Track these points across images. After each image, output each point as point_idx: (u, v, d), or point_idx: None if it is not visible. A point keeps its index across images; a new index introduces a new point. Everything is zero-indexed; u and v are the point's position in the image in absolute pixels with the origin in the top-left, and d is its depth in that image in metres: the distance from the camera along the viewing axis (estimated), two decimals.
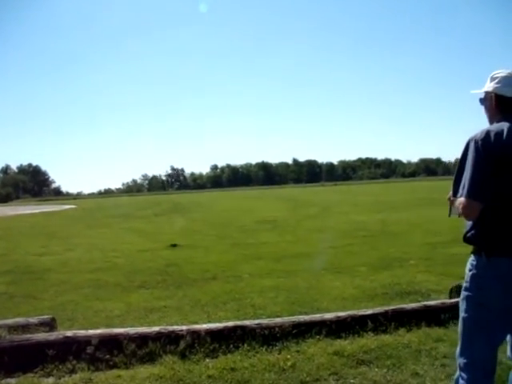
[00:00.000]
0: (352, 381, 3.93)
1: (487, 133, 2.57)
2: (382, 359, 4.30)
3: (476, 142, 2.55)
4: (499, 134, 2.56)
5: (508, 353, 2.87)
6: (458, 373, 2.75)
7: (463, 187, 2.56)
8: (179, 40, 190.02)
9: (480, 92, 2.81)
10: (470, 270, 2.68)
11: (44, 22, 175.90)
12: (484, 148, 2.52)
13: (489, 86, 2.74)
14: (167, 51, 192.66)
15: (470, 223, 2.66)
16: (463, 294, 2.75)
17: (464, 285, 2.74)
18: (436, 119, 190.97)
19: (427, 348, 4.51)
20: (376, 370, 4.11)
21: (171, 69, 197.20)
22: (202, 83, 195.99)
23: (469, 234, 2.68)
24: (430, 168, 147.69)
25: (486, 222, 2.58)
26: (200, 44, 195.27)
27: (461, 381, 2.70)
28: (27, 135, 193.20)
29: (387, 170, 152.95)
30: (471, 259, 2.69)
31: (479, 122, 2.84)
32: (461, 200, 2.57)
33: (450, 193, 2.78)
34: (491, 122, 2.74)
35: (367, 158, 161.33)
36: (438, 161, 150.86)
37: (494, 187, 2.52)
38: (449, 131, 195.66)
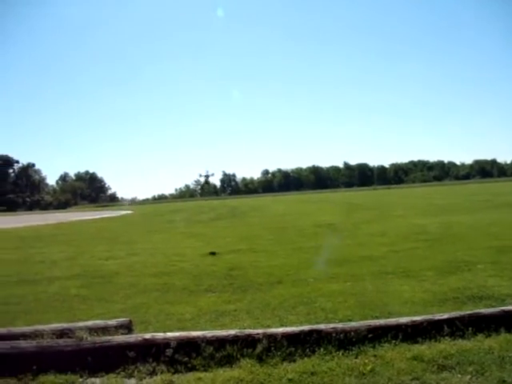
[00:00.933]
0: None
1: None
2: (463, 365, 4.23)
3: None
4: None
5: None
6: None
7: None
8: (212, 43, 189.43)
9: None
10: None
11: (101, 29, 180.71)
12: None
13: None
14: (214, 54, 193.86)
15: None
16: None
17: None
18: (490, 119, 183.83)
19: (511, 355, 4.38)
20: (459, 376, 4.04)
21: (221, 74, 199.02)
22: (251, 88, 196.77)
23: None
24: (484, 170, 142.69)
25: None
26: (241, 48, 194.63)
27: None
28: (84, 144, 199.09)
29: (440, 172, 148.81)
30: None
31: None
32: None
33: None
34: None
35: (419, 161, 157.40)
36: (493, 162, 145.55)
37: None
38: (504, 130, 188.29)
